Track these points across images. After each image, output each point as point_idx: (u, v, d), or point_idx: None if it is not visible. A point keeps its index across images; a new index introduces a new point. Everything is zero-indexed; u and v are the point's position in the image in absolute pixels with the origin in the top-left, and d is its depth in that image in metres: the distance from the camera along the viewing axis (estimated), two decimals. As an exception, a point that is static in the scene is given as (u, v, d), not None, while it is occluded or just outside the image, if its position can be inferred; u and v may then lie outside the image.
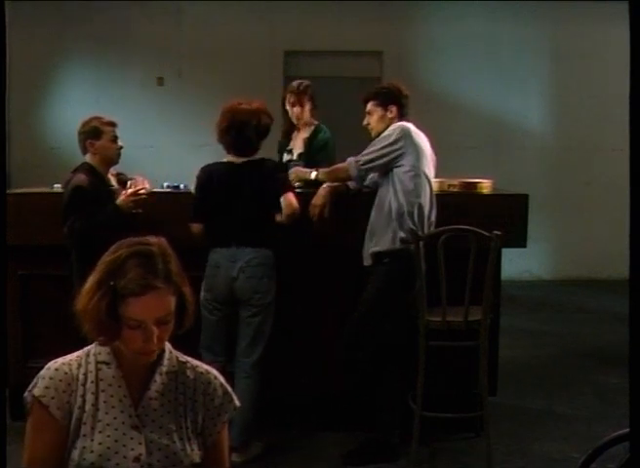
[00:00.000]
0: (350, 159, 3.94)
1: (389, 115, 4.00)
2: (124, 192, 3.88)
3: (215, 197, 3.88)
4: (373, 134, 4.05)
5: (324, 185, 4.05)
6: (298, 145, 4.94)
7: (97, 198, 3.81)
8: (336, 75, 8.47)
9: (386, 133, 3.92)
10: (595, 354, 5.90)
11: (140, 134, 8.41)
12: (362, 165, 3.90)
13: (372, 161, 3.89)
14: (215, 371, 1.97)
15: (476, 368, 3.86)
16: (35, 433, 1.82)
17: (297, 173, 4.19)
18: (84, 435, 1.81)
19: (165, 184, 4.41)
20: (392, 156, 3.86)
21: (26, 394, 1.84)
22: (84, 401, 1.83)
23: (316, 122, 4.96)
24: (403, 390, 3.99)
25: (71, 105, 8.63)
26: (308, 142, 4.89)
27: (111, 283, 1.78)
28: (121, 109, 8.41)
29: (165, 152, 8.65)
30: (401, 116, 4.01)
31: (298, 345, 4.21)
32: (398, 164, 3.86)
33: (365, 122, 4.08)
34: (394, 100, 4.01)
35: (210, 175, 3.94)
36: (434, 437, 4.08)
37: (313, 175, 4.09)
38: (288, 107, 4.87)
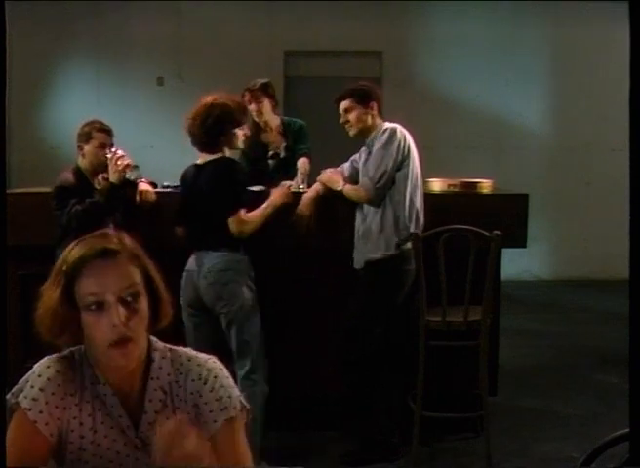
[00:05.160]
0: (366, 181, 3.83)
1: (371, 112, 3.92)
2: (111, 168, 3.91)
3: (185, 199, 3.84)
4: (352, 131, 3.95)
5: (308, 193, 4.00)
6: (276, 142, 4.88)
7: (80, 197, 3.85)
8: (336, 75, 8.46)
9: (384, 140, 3.83)
10: (595, 354, 5.90)
11: (140, 134, 8.42)
12: (377, 183, 3.79)
13: (384, 175, 3.79)
14: (209, 364, 1.77)
15: (476, 368, 3.86)
16: (19, 450, 1.59)
17: (330, 178, 4.01)
18: (85, 462, 1.67)
19: (165, 184, 4.41)
20: (398, 162, 3.81)
21: (9, 397, 1.67)
22: (81, 424, 1.67)
23: (280, 117, 4.95)
24: (402, 390, 3.99)
25: (71, 105, 8.64)
26: (284, 133, 4.87)
27: (63, 268, 1.63)
28: (121, 109, 8.45)
29: (165, 152, 8.64)
30: (379, 114, 3.96)
31: (295, 345, 4.21)
32: (398, 167, 3.85)
33: (342, 120, 3.95)
34: (373, 98, 3.94)
35: (183, 178, 3.89)
36: (434, 437, 4.08)
37: (340, 187, 3.94)
38: (248, 106, 4.76)
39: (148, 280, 1.68)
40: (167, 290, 1.73)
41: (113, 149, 3.94)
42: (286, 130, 4.89)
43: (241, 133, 3.78)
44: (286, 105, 8.17)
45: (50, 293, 1.64)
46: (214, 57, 8.75)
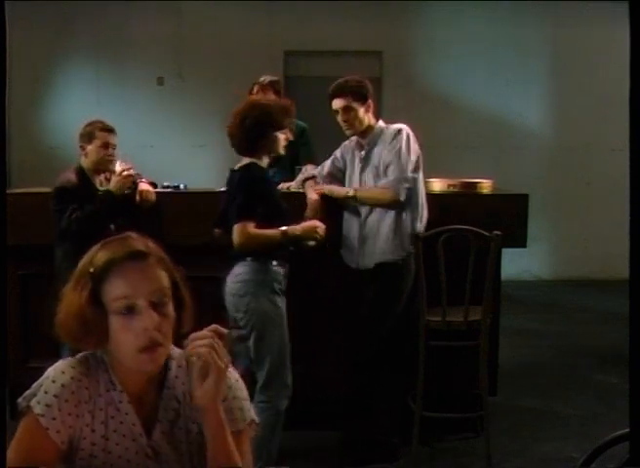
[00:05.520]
0: (392, 183, 3.77)
1: (369, 111, 3.86)
2: (114, 175, 3.95)
3: (224, 204, 3.64)
4: (351, 131, 3.88)
5: (312, 196, 3.90)
6: None
7: (81, 198, 3.86)
8: (336, 75, 8.41)
9: (403, 140, 3.79)
10: (595, 354, 5.90)
11: (140, 134, 8.42)
12: (407, 183, 3.76)
13: (410, 176, 3.78)
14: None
15: (476, 368, 3.86)
16: (28, 456, 1.56)
17: (332, 190, 3.94)
18: None
19: (165, 184, 4.41)
20: (415, 163, 3.81)
21: (21, 400, 1.63)
22: (92, 431, 1.64)
23: None
24: (402, 390, 3.99)
25: (71, 105, 8.64)
26: None
27: (90, 270, 1.60)
28: (121, 109, 8.44)
29: (165, 152, 8.65)
30: (374, 111, 3.92)
31: (295, 345, 4.20)
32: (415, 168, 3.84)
33: (343, 119, 3.84)
34: (370, 95, 3.88)
35: (227, 182, 3.67)
36: (434, 437, 4.08)
37: (351, 192, 3.87)
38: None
39: (174, 284, 1.65)
40: (188, 292, 1.70)
41: (126, 165, 3.95)
42: None
43: (283, 137, 3.55)
44: (286, 105, 8.17)
45: (74, 297, 1.61)
46: (214, 57, 8.75)
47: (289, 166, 4.77)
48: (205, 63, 8.78)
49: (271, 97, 4.74)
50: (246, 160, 3.51)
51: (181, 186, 4.45)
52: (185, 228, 4.12)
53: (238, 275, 3.44)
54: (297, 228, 3.50)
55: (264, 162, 3.56)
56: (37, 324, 4.31)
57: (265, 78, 4.90)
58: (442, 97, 8.83)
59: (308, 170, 4.58)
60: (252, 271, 3.42)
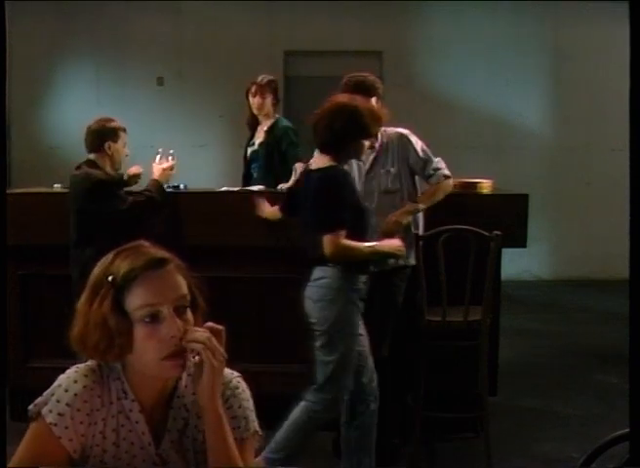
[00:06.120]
0: (446, 175, 3.84)
1: None
2: (156, 166, 4.06)
3: (298, 200, 3.53)
4: None
5: None
6: (259, 136, 5.06)
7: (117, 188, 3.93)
8: (336, 75, 8.43)
9: (414, 138, 3.85)
10: (595, 354, 5.91)
11: (140, 134, 8.38)
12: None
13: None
14: (233, 383, 1.74)
15: (476, 368, 3.86)
16: (37, 461, 1.56)
17: (404, 216, 3.79)
18: None
19: (165, 184, 4.41)
20: None
21: (32, 407, 1.62)
22: (104, 438, 1.65)
23: (277, 115, 5.14)
24: (402, 390, 3.99)
25: (71, 105, 8.64)
26: (269, 131, 5.00)
27: (109, 278, 1.59)
28: (121, 109, 8.41)
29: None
30: None
31: (295, 345, 4.20)
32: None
33: None
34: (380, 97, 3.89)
35: (305, 180, 3.55)
36: (434, 437, 4.08)
37: (421, 206, 3.84)
38: (250, 98, 5.00)
39: (190, 289, 1.65)
40: (204, 300, 1.70)
41: (171, 159, 4.11)
42: (273, 127, 5.03)
43: (368, 144, 3.46)
44: (286, 105, 8.17)
45: (93, 308, 1.59)
46: (214, 57, 8.75)
47: (266, 162, 4.90)
48: (205, 63, 8.78)
49: (269, 96, 4.88)
50: (326, 161, 3.37)
51: (181, 186, 4.46)
52: (186, 228, 4.13)
53: (316, 280, 3.35)
54: (384, 245, 3.46)
55: (343, 165, 3.46)
56: (37, 324, 4.31)
57: (263, 78, 5.00)
58: (442, 97, 8.83)
59: (297, 167, 4.63)
60: (330, 277, 3.32)
